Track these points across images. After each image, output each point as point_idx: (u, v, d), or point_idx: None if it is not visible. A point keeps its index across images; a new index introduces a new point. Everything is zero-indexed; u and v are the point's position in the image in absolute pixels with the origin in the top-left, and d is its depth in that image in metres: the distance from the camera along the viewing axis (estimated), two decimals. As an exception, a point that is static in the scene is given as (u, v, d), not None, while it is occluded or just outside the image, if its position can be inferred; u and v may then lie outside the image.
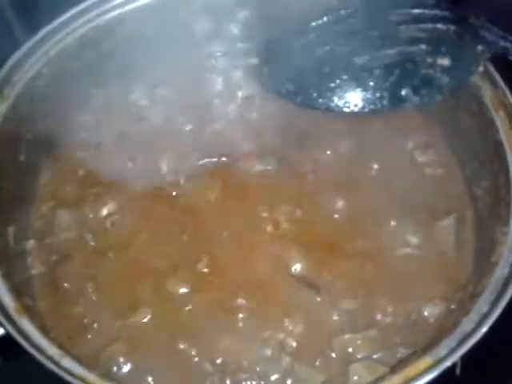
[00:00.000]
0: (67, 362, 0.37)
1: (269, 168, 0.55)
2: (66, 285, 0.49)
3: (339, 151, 0.55)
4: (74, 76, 0.56)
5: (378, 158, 0.54)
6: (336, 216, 0.52)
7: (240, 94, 0.59)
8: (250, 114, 0.57)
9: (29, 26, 0.58)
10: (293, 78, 0.48)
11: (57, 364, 0.37)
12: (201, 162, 0.56)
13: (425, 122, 0.54)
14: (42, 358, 0.36)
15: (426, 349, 0.40)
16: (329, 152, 0.55)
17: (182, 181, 0.55)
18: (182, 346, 0.46)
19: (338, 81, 0.46)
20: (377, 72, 0.45)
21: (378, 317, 0.46)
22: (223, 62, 0.61)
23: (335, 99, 0.46)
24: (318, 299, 0.47)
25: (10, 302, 0.41)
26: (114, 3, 0.55)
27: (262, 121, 0.56)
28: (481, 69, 0.47)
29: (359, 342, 0.45)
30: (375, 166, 0.54)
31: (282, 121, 0.55)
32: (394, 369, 0.40)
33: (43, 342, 0.38)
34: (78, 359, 0.38)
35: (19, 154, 0.52)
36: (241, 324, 0.46)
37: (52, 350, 0.37)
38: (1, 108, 0.50)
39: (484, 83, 0.48)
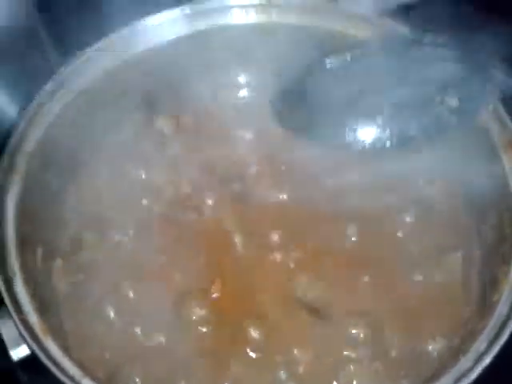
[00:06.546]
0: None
1: (282, 196, 0.57)
2: (88, 305, 0.52)
3: (351, 180, 0.56)
4: (102, 105, 0.59)
5: (389, 189, 0.55)
6: (347, 244, 0.54)
7: (255, 127, 0.61)
8: (264, 147, 0.60)
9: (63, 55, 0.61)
10: (305, 114, 0.51)
11: (78, 384, 0.39)
12: (216, 189, 0.58)
13: (433, 156, 0.54)
14: (64, 379, 0.39)
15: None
16: (342, 180, 0.56)
17: (198, 206, 0.57)
18: (194, 370, 0.48)
19: (348, 119, 0.49)
20: (387, 111, 0.47)
21: (385, 349, 0.47)
22: (244, 96, 0.64)
23: (346, 136, 0.49)
24: (327, 328, 0.49)
25: (36, 322, 0.44)
26: (139, 39, 0.58)
27: (275, 153, 0.59)
28: (490, 107, 0.49)
29: (364, 373, 0.46)
30: (385, 197, 0.55)
31: (295, 153, 0.57)
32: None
33: (66, 363, 0.41)
34: (97, 380, 0.41)
35: (48, 178, 0.55)
36: (251, 350, 0.48)
37: (73, 371, 0.40)
38: (36, 133, 0.53)
39: (493, 122, 0.50)
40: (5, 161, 0.51)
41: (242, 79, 0.64)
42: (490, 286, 0.46)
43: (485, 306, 0.45)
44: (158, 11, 0.57)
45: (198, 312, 0.51)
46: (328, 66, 0.51)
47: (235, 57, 0.62)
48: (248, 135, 0.62)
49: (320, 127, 0.50)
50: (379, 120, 0.47)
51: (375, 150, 0.50)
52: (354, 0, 0.66)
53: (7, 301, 0.44)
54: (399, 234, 0.54)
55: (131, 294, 0.52)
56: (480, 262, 0.51)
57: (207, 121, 0.63)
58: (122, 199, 0.58)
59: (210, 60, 0.62)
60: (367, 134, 0.48)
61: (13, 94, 0.62)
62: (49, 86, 0.55)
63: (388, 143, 0.48)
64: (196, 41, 0.59)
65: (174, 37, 0.59)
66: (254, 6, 0.59)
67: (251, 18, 0.60)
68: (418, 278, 0.51)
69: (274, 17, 0.59)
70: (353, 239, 0.54)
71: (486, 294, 0.47)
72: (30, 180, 0.52)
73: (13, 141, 0.52)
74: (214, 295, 0.52)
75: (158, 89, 0.61)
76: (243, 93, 0.65)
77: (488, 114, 0.49)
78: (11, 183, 0.50)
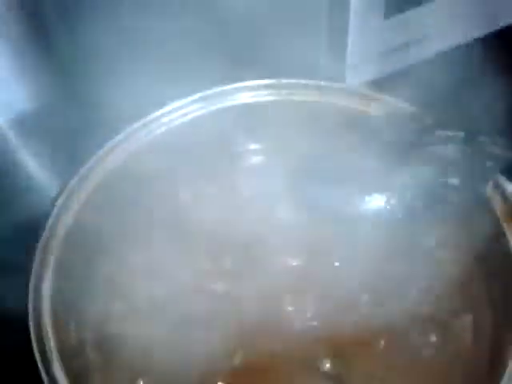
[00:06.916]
0: None
1: (296, 263, 0.60)
2: (119, 377, 0.55)
3: (365, 246, 0.59)
4: (127, 184, 0.62)
5: (400, 255, 0.58)
6: (361, 310, 0.56)
7: (272, 191, 0.64)
8: (279, 212, 0.63)
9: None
10: (316, 195, 0.55)
11: None
12: (235, 255, 0.61)
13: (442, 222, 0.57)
14: None
15: None
16: (355, 249, 0.59)
17: (221, 274, 0.61)
18: None
19: (356, 199, 0.52)
20: (391, 192, 0.51)
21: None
22: (259, 162, 0.68)
23: (354, 215, 0.52)
24: (345, 395, 0.52)
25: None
26: (159, 123, 0.62)
27: (290, 221, 0.62)
28: (491, 183, 0.52)
29: None
30: (396, 262, 0.58)
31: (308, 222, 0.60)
32: None
33: None
34: None
35: (79, 259, 0.58)
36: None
37: None
38: (67, 220, 0.57)
39: (494, 194, 0.52)
40: (40, 249, 0.55)
41: (256, 149, 0.68)
42: (499, 354, 0.48)
43: (494, 375, 0.47)
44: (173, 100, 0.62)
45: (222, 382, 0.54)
46: (335, 147, 0.55)
47: (248, 131, 0.66)
48: (264, 201, 0.66)
49: (331, 204, 0.53)
50: (384, 200, 0.50)
51: (382, 223, 0.53)
52: (358, 68, 0.71)
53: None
54: (410, 298, 0.56)
55: (159, 366, 0.56)
56: (491, 327, 0.53)
57: (227, 188, 0.67)
58: (146, 270, 0.62)
59: (226, 135, 0.66)
60: (373, 211, 0.52)
61: (45, 174, 0.67)
62: (77, 176, 0.59)
63: (393, 220, 0.51)
64: (211, 120, 0.64)
65: (190, 118, 0.63)
66: (264, 86, 0.64)
67: (262, 96, 0.64)
68: (431, 341, 0.54)
69: (284, 95, 0.63)
70: (366, 305, 0.56)
71: (495, 362, 0.49)
72: (62, 263, 0.55)
73: (46, 230, 0.56)
74: (236, 364, 0.55)
75: (179, 164, 0.65)
76: (258, 159, 0.69)
77: (490, 188, 0.52)
78: (46, 270, 0.54)
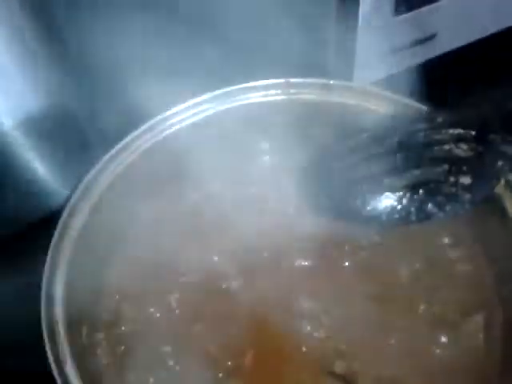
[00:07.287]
0: None
1: (307, 263, 0.60)
2: (130, 377, 0.55)
3: (376, 245, 0.59)
4: (137, 184, 0.63)
5: (412, 254, 0.58)
6: (372, 310, 0.56)
7: (280, 193, 0.64)
8: (289, 216, 0.63)
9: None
10: (327, 195, 0.55)
11: None
12: (246, 259, 0.61)
13: (455, 221, 0.57)
14: None
15: None
16: (367, 249, 0.59)
17: (233, 274, 0.61)
18: None
19: (368, 199, 0.52)
20: (403, 191, 0.51)
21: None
22: (266, 161, 0.68)
23: (366, 215, 0.52)
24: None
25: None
26: (168, 123, 0.62)
27: (299, 222, 0.62)
28: (502, 182, 0.51)
29: None
30: (408, 261, 0.58)
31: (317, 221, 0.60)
32: None
33: None
34: None
35: (90, 259, 0.59)
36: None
37: None
38: (79, 219, 0.58)
39: (505, 192, 0.52)
40: (52, 250, 0.55)
41: (264, 148, 0.68)
42: (510, 355, 0.48)
43: (506, 372, 0.47)
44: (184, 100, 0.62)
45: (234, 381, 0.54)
46: (345, 146, 0.55)
47: (257, 130, 0.65)
48: (275, 201, 0.66)
49: (341, 207, 0.53)
50: (396, 199, 0.50)
51: (394, 223, 0.53)
52: (367, 66, 0.70)
53: (60, 384, 0.48)
54: (423, 297, 0.56)
55: (171, 365, 0.56)
56: (502, 324, 0.53)
57: (234, 188, 0.67)
58: (158, 271, 0.62)
59: (235, 134, 0.65)
60: (385, 211, 0.51)
61: (56, 175, 0.67)
62: (88, 176, 0.59)
63: (405, 220, 0.50)
64: (221, 119, 0.64)
65: (200, 118, 0.63)
66: (273, 85, 0.63)
67: (271, 96, 0.64)
68: (443, 340, 0.54)
69: (292, 94, 0.63)
70: (378, 304, 0.56)
71: (507, 362, 0.49)
72: (73, 264, 0.56)
73: (58, 228, 0.56)
74: (247, 365, 0.55)
75: (188, 164, 0.64)
76: (266, 159, 0.69)
77: (501, 186, 0.52)
78: (57, 271, 0.54)
